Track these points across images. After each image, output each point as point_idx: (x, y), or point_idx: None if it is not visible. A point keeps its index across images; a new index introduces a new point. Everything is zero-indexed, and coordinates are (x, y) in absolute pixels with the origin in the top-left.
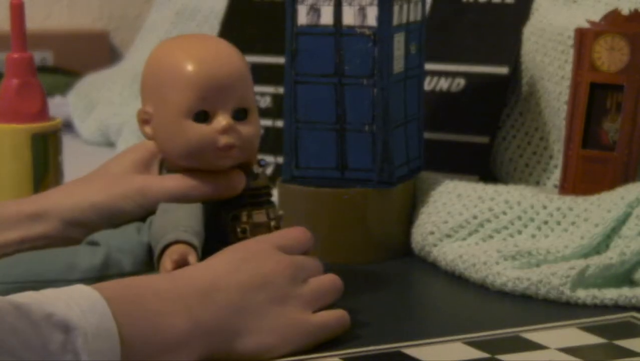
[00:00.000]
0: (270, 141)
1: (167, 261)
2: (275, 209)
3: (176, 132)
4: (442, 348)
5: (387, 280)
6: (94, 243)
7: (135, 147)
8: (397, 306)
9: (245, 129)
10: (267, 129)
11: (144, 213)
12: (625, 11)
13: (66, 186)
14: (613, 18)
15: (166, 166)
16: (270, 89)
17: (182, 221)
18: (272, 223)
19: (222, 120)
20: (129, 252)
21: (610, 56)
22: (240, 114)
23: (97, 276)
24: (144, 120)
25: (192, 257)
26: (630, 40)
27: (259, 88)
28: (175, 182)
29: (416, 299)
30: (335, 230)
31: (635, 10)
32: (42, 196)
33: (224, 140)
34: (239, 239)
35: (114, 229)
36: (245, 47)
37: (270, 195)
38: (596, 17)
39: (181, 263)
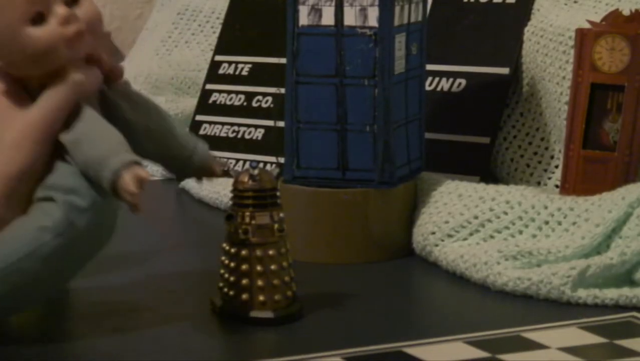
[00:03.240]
0: (272, 142)
1: (127, 196)
2: (280, 211)
3: (18, 43)
4: (443, 347)
5: (388, 280)
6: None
7: None
8: (398, 305)
9: (82, 12)
10: (268, 130)
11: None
12: (625, 12)
13: None
14: (614, 19)
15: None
16: (271, 90)
17: (112, 142)
18: (276, 226)
19: (59, 10)
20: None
21: (610, 57)
22: (71, 2)
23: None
24: None
25: (142, 171)
26: (630, 41)
27: (260, 89)
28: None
29: (417, 299)
30: (336, 230)
31: (636, 11)
32: None
33: (71, 29)
34: (240, 240)
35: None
36: (246, 47)
37: (275, 197)
38: (597, 18)
39: (141, 187)
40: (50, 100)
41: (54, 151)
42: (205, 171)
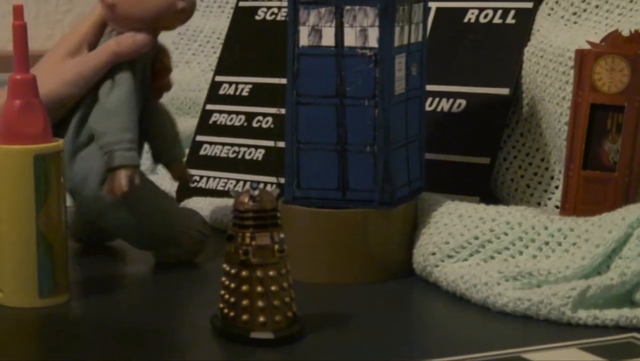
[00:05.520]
0: (273, 162)
1: (116, 191)
2: (280, 231)
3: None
4: None
5: (388, 300)
6: None
7: (65, 37)
8: (398, 326)
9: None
10: (268, 150)
11: (84, 94)
12: (625, 32)
13: None
14: (613, 39)
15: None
16: (272, 110)
17: (124, 134)
18: (277, 246)
19: None
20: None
21: (610, 77)
22: None
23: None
24: None
25: (137, 177)
26: (630, 62)
27: (261, 109)
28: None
29: (417, 319)
30: (336, 250)
31: (636, 32)
32: None
33: (181, 4)
34: (241, 261)
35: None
36: (247, 68)
37: (276, 217)
38: (597, 38)
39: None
40: (97, 55)
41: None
42: (169, 170)
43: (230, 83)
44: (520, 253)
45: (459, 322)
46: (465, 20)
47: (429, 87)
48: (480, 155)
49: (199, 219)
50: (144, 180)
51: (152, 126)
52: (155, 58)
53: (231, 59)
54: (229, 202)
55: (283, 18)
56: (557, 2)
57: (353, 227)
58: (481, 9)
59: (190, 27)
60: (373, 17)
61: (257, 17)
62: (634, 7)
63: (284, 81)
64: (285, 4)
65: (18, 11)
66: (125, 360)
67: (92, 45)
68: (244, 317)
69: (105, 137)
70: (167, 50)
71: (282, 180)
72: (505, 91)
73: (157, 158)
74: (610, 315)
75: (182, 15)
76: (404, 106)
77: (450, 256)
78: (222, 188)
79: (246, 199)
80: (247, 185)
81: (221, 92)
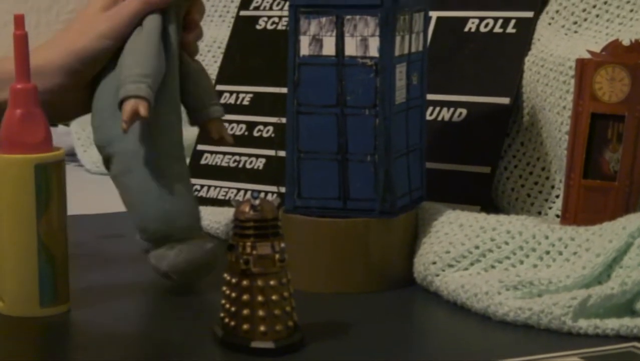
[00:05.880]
0: (273, 171)
1: (123, 121)
2: (281, 241)
3: None
4: None
5: (389, 310)
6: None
7: None
8: (399, 335)
9: None
10: (269, 159)
11: (119, 46)
12: (626, 42)
13: (51, 40)
14: (614, 49)
15: None
16: (273, 119)
17: (132, 69)
18: (277, 256)
19: None
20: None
21: (611, 86)
22: None
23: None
24: None
25: (142, 108)
26: (631, 71)
27: (261, 118)
28: None
29: (418, 328)
30: (337, 260)
31: (636, 41)
32: (35, 53)
33: None
34: (241, 270)
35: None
36: (247, 77)
37: (277, 227)
38: (597, 48)
39: (134, 119)
40: (128, 5)
41: None
42: (207, 130)
43: (231, 92)
44: (521, 262)
45: (460, 331)
46: (466, 29)
47: (430, 97)
48: (481, 164)
49: (192, 257)
50: (176, 162)
51: (187, 83)
52: (187, 10)
53: (232, 68)
54: (229, 211)
55: (284, 27)
56: (557, 12)
57: (354, 236)
58: (482, 19)
59: None
60: (374, 27)
61: (257, 27)
62: (634, 16)
63: (284, 90)
64: (286, 13)
65: (19, 21)
66: None
67: None
68: (245, 326)
69: (120, 77)
70: (201, 3)
71: (283, 189)
72: (505, 100)
73: (194, 118)
74: (611, 324)
75: None
76: (404, 115)
77: (451, 266)
78: (223, 197)
79: (247, 209)
80: (248, 194)
81: (222, 101)
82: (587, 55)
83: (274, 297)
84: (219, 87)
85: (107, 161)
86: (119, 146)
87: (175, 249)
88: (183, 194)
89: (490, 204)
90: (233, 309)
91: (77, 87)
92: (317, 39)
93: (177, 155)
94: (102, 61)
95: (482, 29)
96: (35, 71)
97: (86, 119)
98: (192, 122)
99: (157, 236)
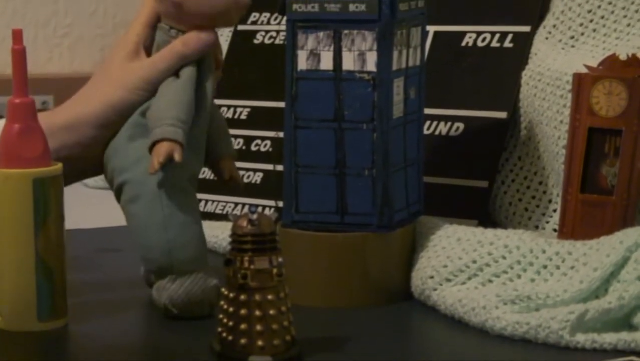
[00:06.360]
0: (271, 186)
1: (154, 161)
2: (279, 255)
3: None
4: None
5: (386, 324)
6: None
7: (122, 42)
8: (397, 349)
9: None
10: (267, 173)
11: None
12: (623, 56)
13: (82, 94)
14: (611, 63)
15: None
16: (270, 134)
17: (169, 112)
18: (275, 270)
19: None
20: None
21: (608, 101)
22: None
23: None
24: None
25: (177, 154)
26: (628, 85)
27: (259, 132)
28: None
29: (416, 343)
30: (335, 274)
31: (633, 55)
32: (67, 107)
33: (245, 0)
34: (239, 285)
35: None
36: (245, 91)
37: (275, 241)
38: (594, 62)
39: (167, 163)
40: (164, 58)
41: None
42: (218, 169)
43: (229, 106)
44: (519, 276)
45: (458, 345)
46: (463, 43)
47: (427, 111)
48: (479, 178)
49: (193, 290)
50: (185, 195)
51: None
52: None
53: (230, 82)
54: (227, 226)
55: (281, 42)
56: (554, 26)
57: (352, 250)
58: (479, 33)
59: None
60: (371, 41)
61: (255, 41)
62: (631, 30)
63: (282, 104)
64: (283, 27)
65: (17, 35)
66: None
67: (148, 46)
68: (243, 341)
69: (152, 117)
70: (219, 44)
71: (281, 203)
72: (503, 115)
73: (206, 157)
74: (609, 338)
75: (244, 10)
76: (402, 130)
77: (448, 280)
78: (220, 212)
79: (245, 223)
80: (246, 209)
81: None
82: (584, 70)
83: (271, 311)
84: (217, 101)
85: (119, 190)
86: (130, 175)
87: (177, 282)
88: (188, 226)
89: (487, 219)
90: (231, 323)
91: (104, 140)
92: (314, 54)
93: (187, 187)
94: (134, 111)
95: (480, 44)
96: (70, 125)
97: None
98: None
99: (159, 267)
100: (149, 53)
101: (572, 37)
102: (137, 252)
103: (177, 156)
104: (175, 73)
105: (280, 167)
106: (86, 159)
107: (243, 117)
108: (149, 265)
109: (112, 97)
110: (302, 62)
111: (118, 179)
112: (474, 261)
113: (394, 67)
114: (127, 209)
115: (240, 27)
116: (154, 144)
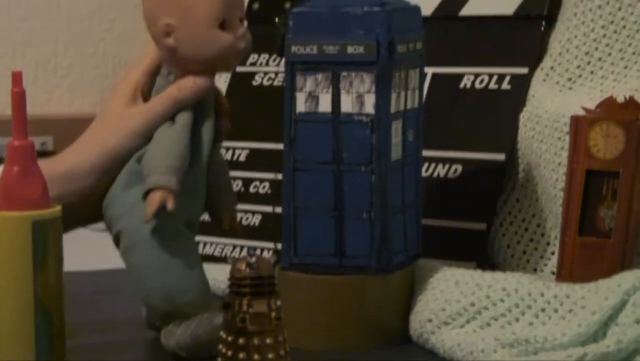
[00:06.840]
0: (270, 228)
1: (147, 210)
2: (278, 298)
3: (205, 41)
4: None
5: None
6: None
7: (121, 87)
8: None
9: (247, 34)
10: (266, 216)
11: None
12: (620, 98)
13: (81, 142)
14: (608, 105)
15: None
16: (269, 175)
17: (163, 160)
18: (273, 314)
19: (241, 27)
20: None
21: (605, 143)
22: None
23: None
24: (166, 32)
25: (169, 202)
26: (625, 128)
27: (258, 174)
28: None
29: None
30: (333, 317)
31: (631, 98)
32: (66, 156)
33: (242, 45)
34: (238, 328)
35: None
36: (244, 133)
37: (273, 284)
38: (591, 104)
39: (160, 211)
40: (159, 103)
41: None
42: (218, 219)
43: (228, 148)
44: (517, 319)
45: None
46: (461, 85)
47: (425, 153)
48: (477, 221)
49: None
50: (182, 240)
51: (208, 173)
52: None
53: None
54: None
55: (280, 83)
56: (552, 68)
57: (350, 293)
58: (477, 75)
59: None
60: (369, 83)
61: (254, 83)
62: (628, 73)
63: (281, 146)
64: (282, 69)
65: (17, 78)
66: None
67: (146, 92)
68: None
69: (146, 165)
70: (221, 91)
71: (280, 246)
72: (501, 157)
73: (207, 206)
74: None
75: (241, 55)
76: (400, 172)
77: (446, 323)
78: (218, 254)
79: (243, 266)
80: (244, 251)
81: None
82: (582, 112)
83: (270, 355)
84: None
85: (117, 239)
86: (126, 223)
87: (182, 326)
88: (188, 270)
89: (486, 261)
90: None
91: (103, 187)
92: (313, 96)
93: (184, 232)
94: (131, 157)
95: (477, 85)
96: (70, 174)
97: None
98: (205, 210)
99: (162, 313)
100: (149, 99)
101: (570, 79)
102: (139, 297)
103: (169, 204)
104: (172, 118)
105: (279, 210)
106: (86, 206)
107: (242, 159)
108: (153, 312)
109: (109, 143)
110: (301, 105)
111: (115, 227)
112: (472, 304)
113: (393, 109)
114: (125, 257)
115: (239, 69)
116: (147, 192)
